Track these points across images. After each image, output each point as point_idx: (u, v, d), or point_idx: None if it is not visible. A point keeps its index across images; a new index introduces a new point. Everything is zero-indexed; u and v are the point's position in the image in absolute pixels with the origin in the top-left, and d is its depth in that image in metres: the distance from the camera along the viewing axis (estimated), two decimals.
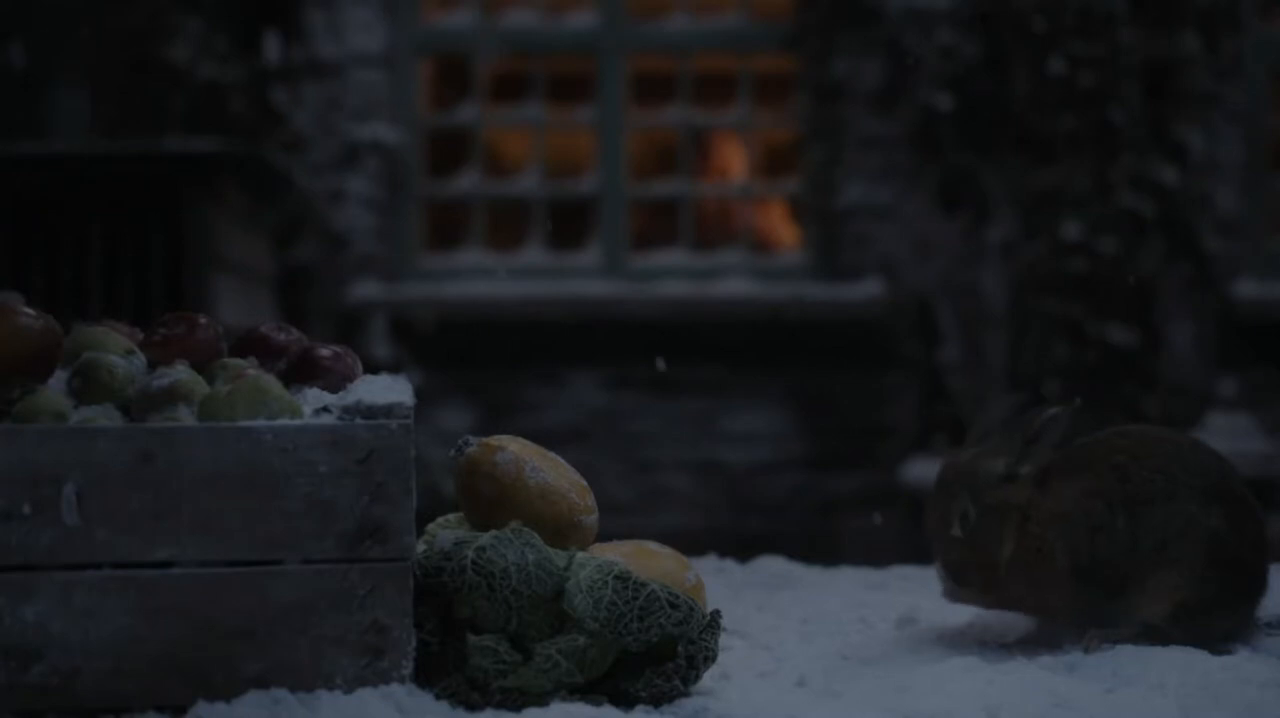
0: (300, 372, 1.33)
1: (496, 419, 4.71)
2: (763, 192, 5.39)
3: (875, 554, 4.72)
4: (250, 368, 1.29)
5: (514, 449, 1.42)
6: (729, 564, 2.51)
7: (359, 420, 1.18)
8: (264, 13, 4.68)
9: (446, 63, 5.36)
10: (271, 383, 1.22)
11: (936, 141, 4.62)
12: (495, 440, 1.45)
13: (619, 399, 4.73)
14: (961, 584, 1.75)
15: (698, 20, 4.96)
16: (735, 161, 5.52)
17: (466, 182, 5.00)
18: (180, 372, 1.25)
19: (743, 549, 4.71)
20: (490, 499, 1.39)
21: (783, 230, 5.70)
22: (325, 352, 1.36)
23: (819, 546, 4.71)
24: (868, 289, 4.66)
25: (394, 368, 4.63)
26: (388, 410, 1.18)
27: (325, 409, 1.23)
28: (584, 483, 1.45)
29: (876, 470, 4.70)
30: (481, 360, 4.72)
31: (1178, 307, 4.73)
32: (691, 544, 4.67)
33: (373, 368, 4.46)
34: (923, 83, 4.65)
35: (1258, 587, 1.74)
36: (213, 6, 4.57)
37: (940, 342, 4.46)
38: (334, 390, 1.31)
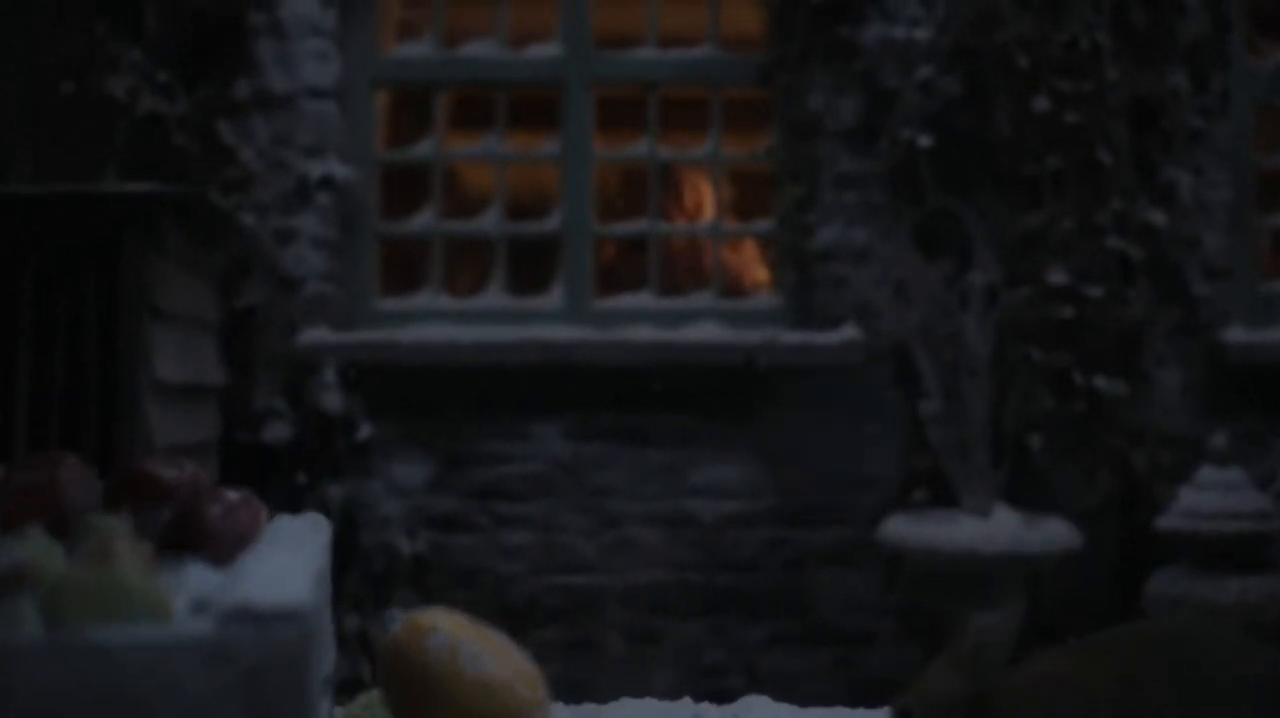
0: (181, 537, 1.09)
1: (455, 472, 4.47)
2: (734, 232, 5.18)
3: (851, 613, 4.53)
4: (119, 531, 1.05)
5: (448, 630, 1.16)
6: (705, 710, 2.26)
7: (244, 628, 0.93)
8: (210, 43, 4.43)
9: (404, 96, 5.12)
10: (132, 575, 0.98)
11: (916, 181, 4.42)
12: (426, 618, 1.19)
13: (583, 449, 4.50)
14: None
15: (666, 52, 4.74)
16: (705, 200, 5.31)
17: (422, 221, 4.76)
18: (28, 545, 1.00)
19: (710, 605, 4.49)
20: (419, 693, 1.14)
21: (755, 272, 5.48)
22: (215, 509, 1.11)
23: (792, 604, 4.50)
24: (844, 335, 4.45)
25: (346, 418, 4.39)
26: (282, 615, 0.93)
27: (204, 607, 0.99)
28: (534, 671, 1.20)
29: (853, 524, 4.49)
30: (439, 409, 4.48)
31: (1166, 353, 4.54)
32: (659, 601, 4.46)
33: (324, 417, 4.20)
34: (901, 119, 4.45)
35: None
36: (155, 36, 4.32)
37: (920, 390, 4.24)
38: (225, 559, 1.08)
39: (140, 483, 1.17)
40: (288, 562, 1.02)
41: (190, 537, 1.08)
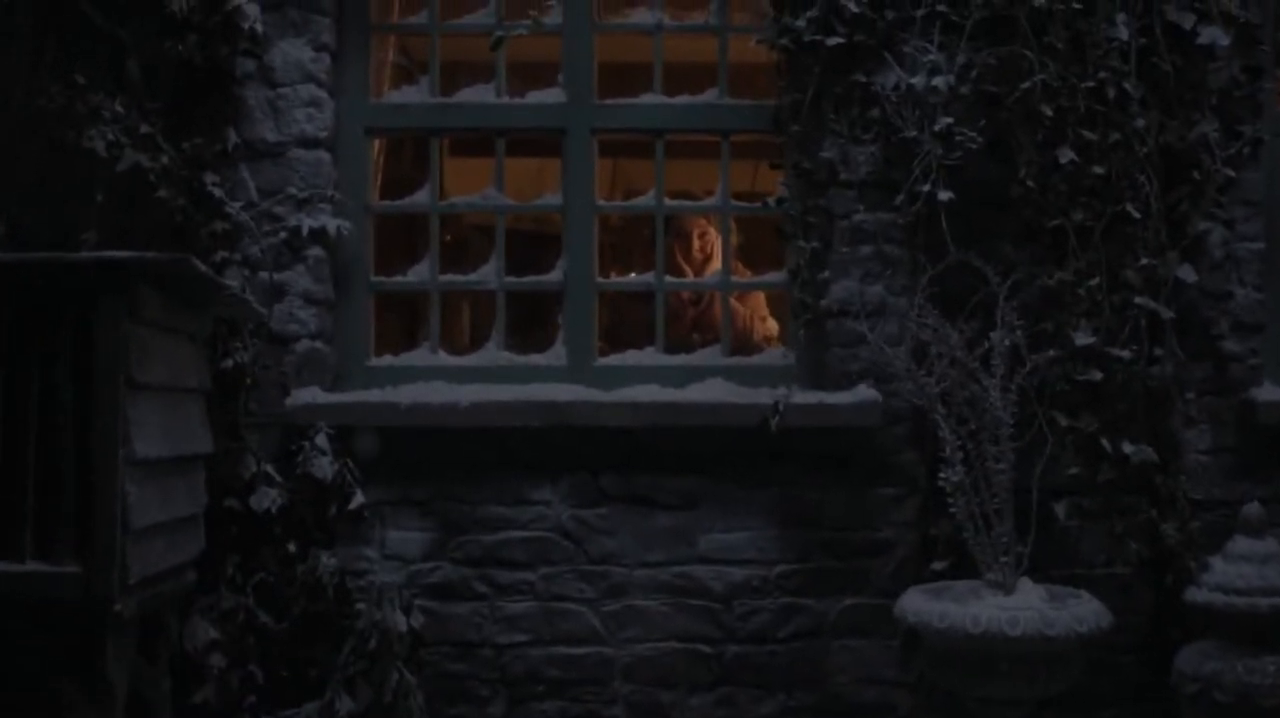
0: None
1: (452, 538, 4.28)
2: (744, 284, 4.97)
3: (868, 686, 4.33)
4: None
5: None
6: None
7: None
8: (196, 92, 4.23)
9: (400, 145, 4.93)
10: None
11: (935, 235, 4.22)
12: None
13: (587, 514, 4.30)
14: None
15: (672, 99, 4.54)
16: (713, 248, 5.12)
17: (419, 273, 4.57)
18: None
19: (720, 677, 4.30)
20: None
21: (766, 328, 5.29)
22: None
23: (806, 675, 4.31)
24: (859, 395, 4.25)
25: (339, 483, 4.20)
26: None
27: None
28: None
29: (869, 593, 4.30)
30: (436, 472, 4.29)
31: (1196, 414, 4.34)
32: (667, 673, 4.25)
33: (316, 483, 3.98)
34: (920, 170, 4.25)
35: None
36: (138, 86, 4.12)
37: (939, 455, 4.04)
38: None
39: None
40: None
41: None
